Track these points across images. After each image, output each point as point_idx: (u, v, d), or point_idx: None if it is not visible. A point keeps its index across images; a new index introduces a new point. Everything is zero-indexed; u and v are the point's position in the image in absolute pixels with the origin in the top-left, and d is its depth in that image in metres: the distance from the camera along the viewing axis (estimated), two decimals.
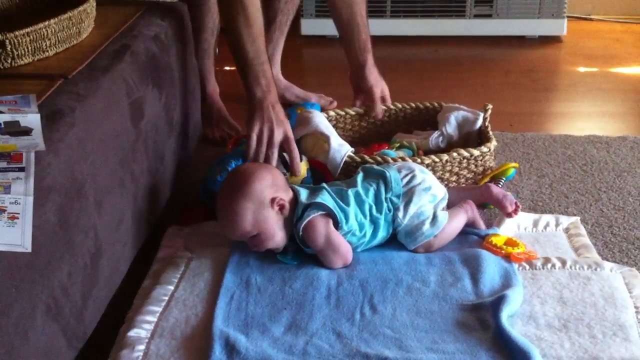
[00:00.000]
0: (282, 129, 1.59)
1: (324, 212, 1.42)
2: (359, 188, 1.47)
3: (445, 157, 1.69)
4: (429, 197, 1.49)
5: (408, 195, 1.48)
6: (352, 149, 1.70)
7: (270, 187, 1.42)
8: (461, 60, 2.90)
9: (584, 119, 2.35)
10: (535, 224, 1.59)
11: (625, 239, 1.59)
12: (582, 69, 2.79)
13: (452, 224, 1.51)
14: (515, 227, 1.58)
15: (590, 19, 3.35)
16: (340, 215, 1.42)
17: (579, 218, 1.63)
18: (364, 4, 1.97)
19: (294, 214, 1.44)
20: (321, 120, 1.76)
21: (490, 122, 1.83)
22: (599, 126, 2.26)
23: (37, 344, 1.00)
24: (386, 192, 1.47)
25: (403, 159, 1.65)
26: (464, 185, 1.73)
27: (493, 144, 1.75)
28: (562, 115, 2.38)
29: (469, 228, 1.55)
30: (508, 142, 2.07)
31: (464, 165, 1.72)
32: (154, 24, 1.63)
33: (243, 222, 1.40)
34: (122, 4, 1.70)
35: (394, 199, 1.47)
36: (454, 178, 1.73)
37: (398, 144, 1.87)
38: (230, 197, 1.41)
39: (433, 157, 1.68)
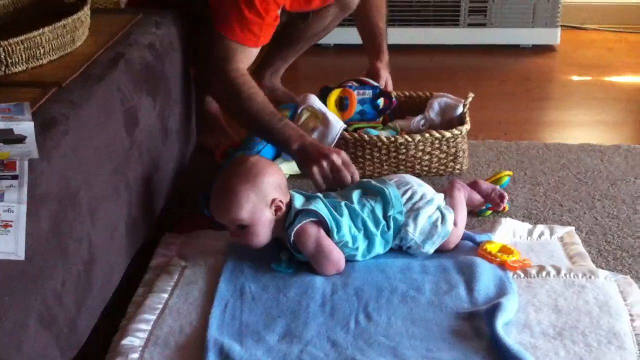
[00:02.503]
0: (334, 152, 1.63)
1: (315, 219, 1.42)
2: (355, 203, 1.47)
3: (417, 137, 1.87)
4: (432, 206, 1.50)
5: (413, 212, 1.48)
6: (345, 126, 1.91)
7: (275, 187, 1.43)
8: (455, 69, 2.90)
9: (577, 128, 2.35)
10: (530, 232, 1.60)
11: (619, 247, 1.59)
12: (575, 78, 2.80)
13: (461, 212, 1.54)
14: (511, 234, 1.58)
15: (584, 29, 3.37)
16: (332, 224, 1.42)
17: (574, 228, 1.62)
18: (381, 16, 2.18)
19: (286, 219, 1.44)
20: (314, 101, 1.96)
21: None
22: (593, 135, 2.27)
23: (30, 353, 1.00)
24: (387, 210, 1.47)
25: (379, 137, 1.86)
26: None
27: (466, 127, 1.89)
28: (556, 123, 2.39)
29: (465, 232, 1.55)
30: (502, 150, 2.08)
31: (436, 145, 1.89)
32: (148, 32, 1.63)
33: (241, 209, 1.39)
34: (117, 12, 1.70)
35: (397, 215, 1.47)
36: (426, 157, 1.90)
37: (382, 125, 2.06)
38: (235, 181, 1.41)
39: (406, 136, 1.87)
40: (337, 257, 1.42)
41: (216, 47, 1.76)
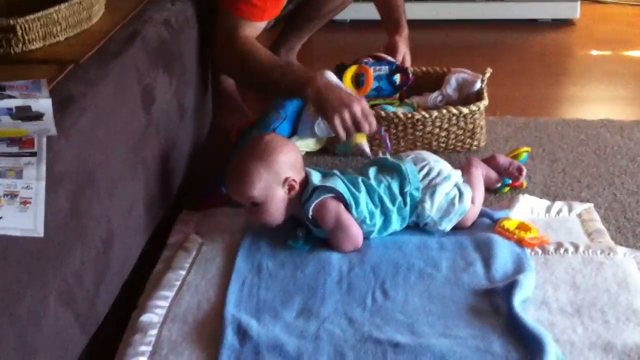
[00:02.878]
0: (355, 102, 1.60)
1: (334, 196, 1.43)
2: (372, 179, 1.47)
3: (435, 113, 1.85)
4: (449, 183, 1.49)
5: (430, 188, 1.47)
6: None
7: (289, 166, 1.43)
8: (472, 44, 2.87)
9: (597, 103, 2.33)
10: (548, 209, 1.58)
11: (638, 223, 1.58)
12: (595, 53, 2.77)
13: (478, 189, 1.53)
14: (528, 211, 1.57)
15: (604, 2, 3.32)
16: (350, 200, 1.42)
17: (592, 205, 1.61)
18: None
19: (302, 196, 1.44)
20: (331, 78, 1.89)
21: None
22: (612, 110, 2.24)
23: (50, 330, 1.01)
24: (404, 187, 1.46)
25: (396, 114, 1.85)
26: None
27: (484, 103, 1.87)
28: (575, 99, 2.36)
29: (483, 208, 1.55)
30: (520, 126, 2.06)
31: (454, 122, 1.87)
32: (164, 8, 1.62)
33: (253, 187, 1.40)
34: None
35: (414, 192, 1.47)
36: (443, 134, 1.89)
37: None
38: (249, 159, 1.41)
39: (424, 112, 1.86)
40: (356, 232, 1.42)
41: (222, 24, 1.76)
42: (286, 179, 1.42)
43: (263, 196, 1.41)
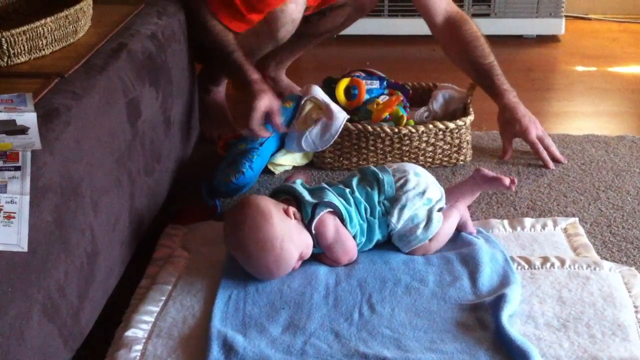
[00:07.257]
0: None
1: (331, 210, 1.42)
2: (356, 191, 1.47)
3: (421, 128, 1.86)
4: (423, 201, 1.47)
5: (402, 200, 1.46)
6: (349, 116, 1.88)
7: (273, 204, 1.39)
8: None
9: (582, 119, 2.34)
10: (534, 224, 1.59)
11: (624, 238, 1.59)
12: (580, 69, 2.79)
13: (446, 225, 1.48)
14: (512, 226, 1.58)
15: (588, 19, 3.35)
16: (346, 215, 1.42)
17: (577, 219, 1.62)
18: (478, 48, 2.00)
19: (303, 215, 1.42)
20: (318, 92, 1.94)
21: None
22: (597, 125, 2.26)
23: (33, 344, 1.00)
24: (379, 196, 1.47)
25: (382, 128, 1.84)
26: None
27: (470, 118, 1.89)
28: (560, 114, 2.38)
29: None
30: None
31: (440, 137, 1.88)
32: (151, 22, 1.62)
33: (290, 256, 1.35)
34: (119, 2, 1.69)
35: (386, 202, 1.47)
36: (430, 149, 1.90)
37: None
38: (262, 246, 1.34)
39: (410, 127, 1.86)
40: (352, 245, 1.42)
41: None
42: (286, 211, 1.39)
43: (298, 249, 1.37)
